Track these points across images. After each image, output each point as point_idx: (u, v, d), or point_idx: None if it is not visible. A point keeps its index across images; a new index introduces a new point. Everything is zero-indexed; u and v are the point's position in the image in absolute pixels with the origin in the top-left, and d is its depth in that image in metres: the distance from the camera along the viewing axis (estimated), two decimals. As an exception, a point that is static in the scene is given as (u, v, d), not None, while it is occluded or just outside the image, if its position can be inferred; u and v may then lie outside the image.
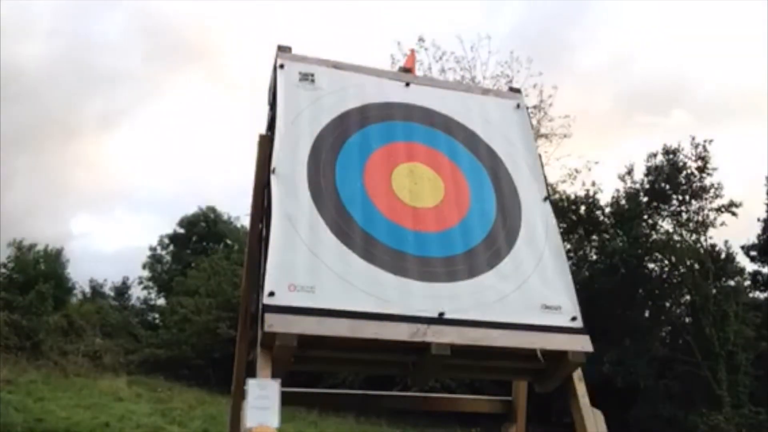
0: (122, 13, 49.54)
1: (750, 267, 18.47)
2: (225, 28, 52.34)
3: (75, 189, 49.95)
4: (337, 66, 4.41)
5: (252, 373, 3.28)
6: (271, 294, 3.28)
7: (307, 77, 4.23)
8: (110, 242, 56.46)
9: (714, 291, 16.69)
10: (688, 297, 17.73)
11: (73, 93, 50.73)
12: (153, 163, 54.75)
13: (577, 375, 3.68)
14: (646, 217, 18.04)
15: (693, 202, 17.31)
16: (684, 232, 17.55)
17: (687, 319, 17.98)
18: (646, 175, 17.97)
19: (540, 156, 4.66)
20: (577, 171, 19.70)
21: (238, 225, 31.66)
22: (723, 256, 17.52)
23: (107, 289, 33.97)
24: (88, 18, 50.86)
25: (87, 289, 33.26)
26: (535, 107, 19.24)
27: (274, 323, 3.19)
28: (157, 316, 31.31)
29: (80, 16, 49.89)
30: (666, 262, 17.90)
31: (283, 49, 4.33)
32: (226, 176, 54.43)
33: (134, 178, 52.53)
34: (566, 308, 3.78)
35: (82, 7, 49.94)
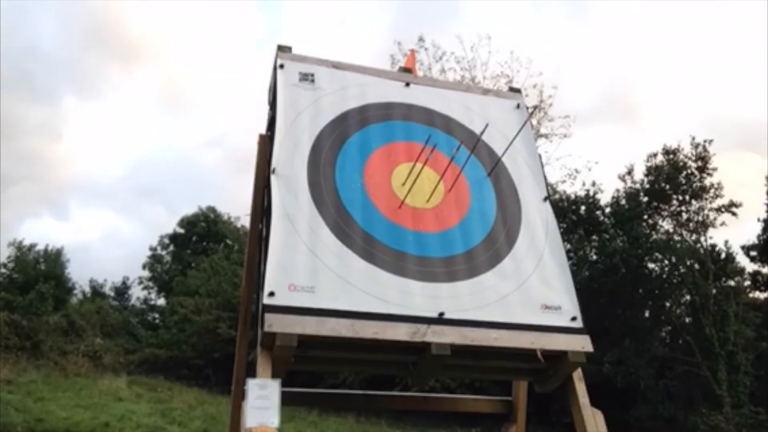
0: (59, 12, 49.73)
1: (750, 267, 18.45)
2: (167, 26, 52.89)
3: (20, 191, 50.17)
4: (337, 66, 4.41)
5: (252, 373, 3.27)
6: (271, 294, 3.28)
7: (307, 77, 4.23)
8: (57, 242, 57.01)
9: (714, 291, 16.67)
10: (688, 297, 17.71)
11: (18, 98, 50.85)
12: (94, 162, 55.19)
13: (577, 375, 3.68)
14: (646, 217, 18.04)
15: (693, 202, 17.30)
16: (684, 232, 17.55)
17: (687, 319, 17.96)
18: (646, 175, 17.97)
19: (540, 156, 4.66)
20: (577, 171, 19.78)
21: (238, 225, 31.69)
22: (723, 256, 17.51)
23: (107, 289, 34.02)
24: (28, 19, 51.11)
25: (87, 289, 33.32)
26: (535, 107, 19.24)
27: (274, 323, 3.19)
28: (157, 316, 31.34)
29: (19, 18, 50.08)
30: (666, 262, 17.88)
31: (283, 49, 4.33)
32: (168, 172, 54.96)
33: (76, 178, 52.99)
34: (566, 308, 3.77)
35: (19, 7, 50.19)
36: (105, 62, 52.77)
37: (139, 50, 54.04)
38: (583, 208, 19.42)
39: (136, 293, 34.07)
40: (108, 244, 52.21)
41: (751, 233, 18.82)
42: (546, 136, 19.88)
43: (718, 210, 17.03)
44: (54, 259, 31.72)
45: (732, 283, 17.60)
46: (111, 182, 51.23)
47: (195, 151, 54.32)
